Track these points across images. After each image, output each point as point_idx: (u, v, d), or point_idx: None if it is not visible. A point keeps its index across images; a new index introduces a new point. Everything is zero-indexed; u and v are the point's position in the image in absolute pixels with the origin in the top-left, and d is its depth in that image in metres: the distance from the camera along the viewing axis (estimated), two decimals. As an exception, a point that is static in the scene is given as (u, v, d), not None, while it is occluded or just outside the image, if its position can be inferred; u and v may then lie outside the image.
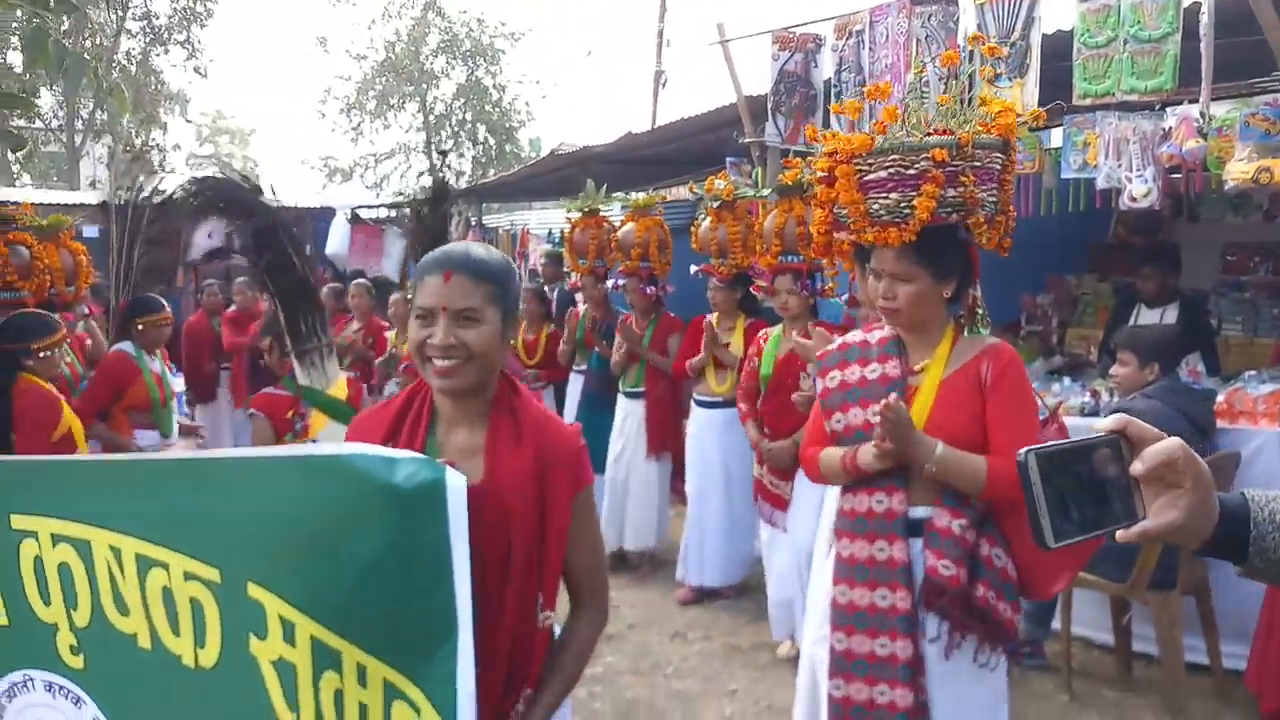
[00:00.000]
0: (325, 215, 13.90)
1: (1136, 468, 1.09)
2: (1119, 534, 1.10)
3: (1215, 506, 1.12)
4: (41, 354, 4.05)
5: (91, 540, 1.74)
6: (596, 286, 6.20)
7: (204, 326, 8.36)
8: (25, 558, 1.81)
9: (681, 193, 10.21)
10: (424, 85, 25.85)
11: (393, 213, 15.03)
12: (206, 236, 11.60)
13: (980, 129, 2.44)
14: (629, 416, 5.88)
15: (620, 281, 5.90)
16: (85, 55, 4.13)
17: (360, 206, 14.43)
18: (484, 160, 26.63)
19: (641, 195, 6.58)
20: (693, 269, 5.47)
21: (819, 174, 2.65)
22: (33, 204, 5.72)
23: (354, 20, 38.60)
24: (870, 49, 5.10)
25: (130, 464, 1.90)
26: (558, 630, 1.90)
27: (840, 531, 2.57)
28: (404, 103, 26.06)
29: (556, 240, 12.06)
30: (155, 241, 5.56)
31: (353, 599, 1.55)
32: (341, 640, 1.54)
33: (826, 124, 5.57)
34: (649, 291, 5.74)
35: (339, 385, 3.72)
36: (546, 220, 13.08)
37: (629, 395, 5.89)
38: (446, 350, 1.72)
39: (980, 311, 2.62)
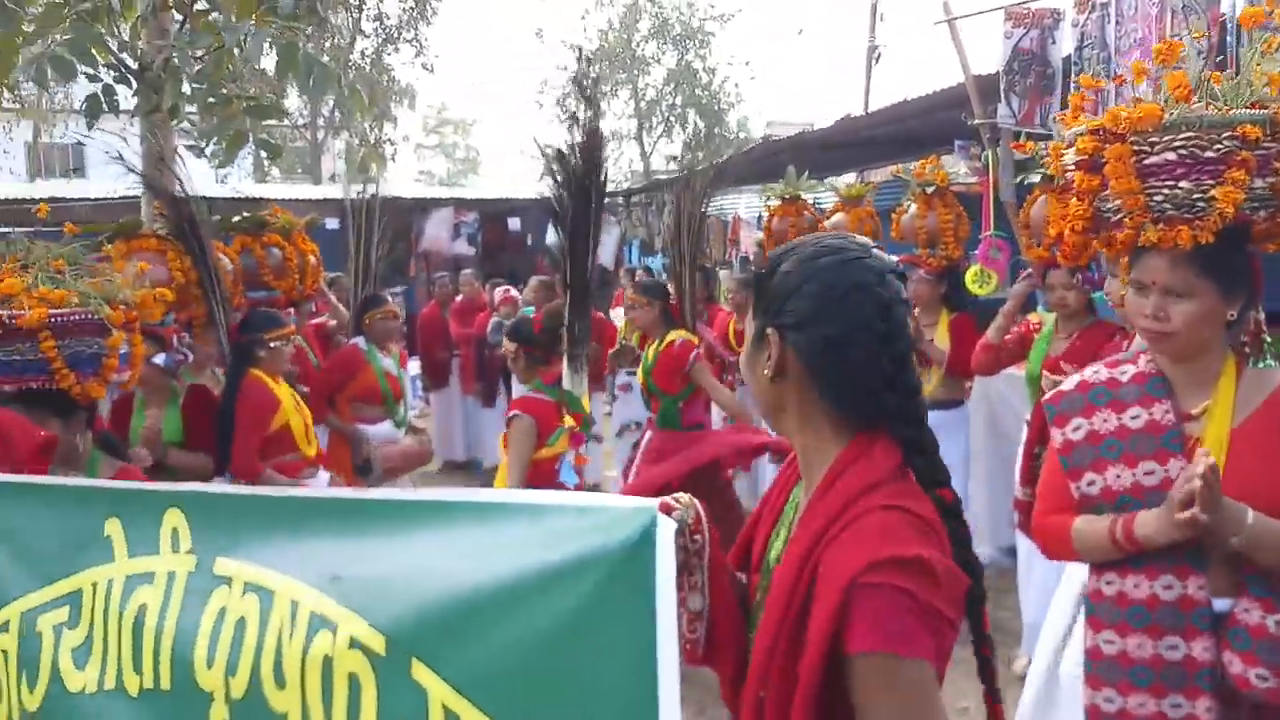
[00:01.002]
0: (545, 205, 14.30)
1: None
2: None
3: None
4: (272, 344, 4.20)
5: (276, 592, 1.55)
6: None
7: (436, 316, 8.77)
8: (211, 609, 1.60)
9: (881, 175, 9.90)
10: (635, 72, 26.20)
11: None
12: (436, 228, 12.26)
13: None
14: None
15: None
16: (328, 61, 4.37)
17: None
18: (693, 144, 26.76)
19: (844, 182, 6.32)
20: (895, 259, 5.20)
21: (1077, 156, 2.23)
22: (282, 199, 6.03)
23: (570, 10, 39.64)
24: (1117, 23, 4.70)
25: (331, 502, 1.69)
26: None
27: (1100, 622, 2.08)
28: (616, 90, 26.52)
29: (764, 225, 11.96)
30: (394, 236, 5.79)
31: (530, 688, 1.27)
32: None
33: (1064, 105, 5.21)
34: None
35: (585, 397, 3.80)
36: (756, 205, 12.97)
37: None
38: None
39: (1268, 339, 2.18)
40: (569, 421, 3.94)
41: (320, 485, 4.25)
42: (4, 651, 1.82)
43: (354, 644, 1.41)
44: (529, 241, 14.70)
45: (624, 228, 14.21)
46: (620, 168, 27.86)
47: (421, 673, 1.34)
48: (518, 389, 8.21)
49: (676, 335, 4.84)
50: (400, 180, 22.35)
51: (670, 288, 5.18)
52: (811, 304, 1.35)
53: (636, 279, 4.68)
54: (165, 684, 1.62)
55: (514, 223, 14.76)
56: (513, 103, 62.08)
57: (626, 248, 14.24)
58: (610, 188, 20.72)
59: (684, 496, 1.34)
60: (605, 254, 14.20)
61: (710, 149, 26.12)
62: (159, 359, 4.11)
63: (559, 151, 3.71)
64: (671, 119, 26.64)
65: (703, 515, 1.35)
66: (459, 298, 9.20)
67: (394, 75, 22.80)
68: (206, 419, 4.17)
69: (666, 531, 1.24)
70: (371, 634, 1.40)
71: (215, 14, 4.64)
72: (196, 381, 4.38)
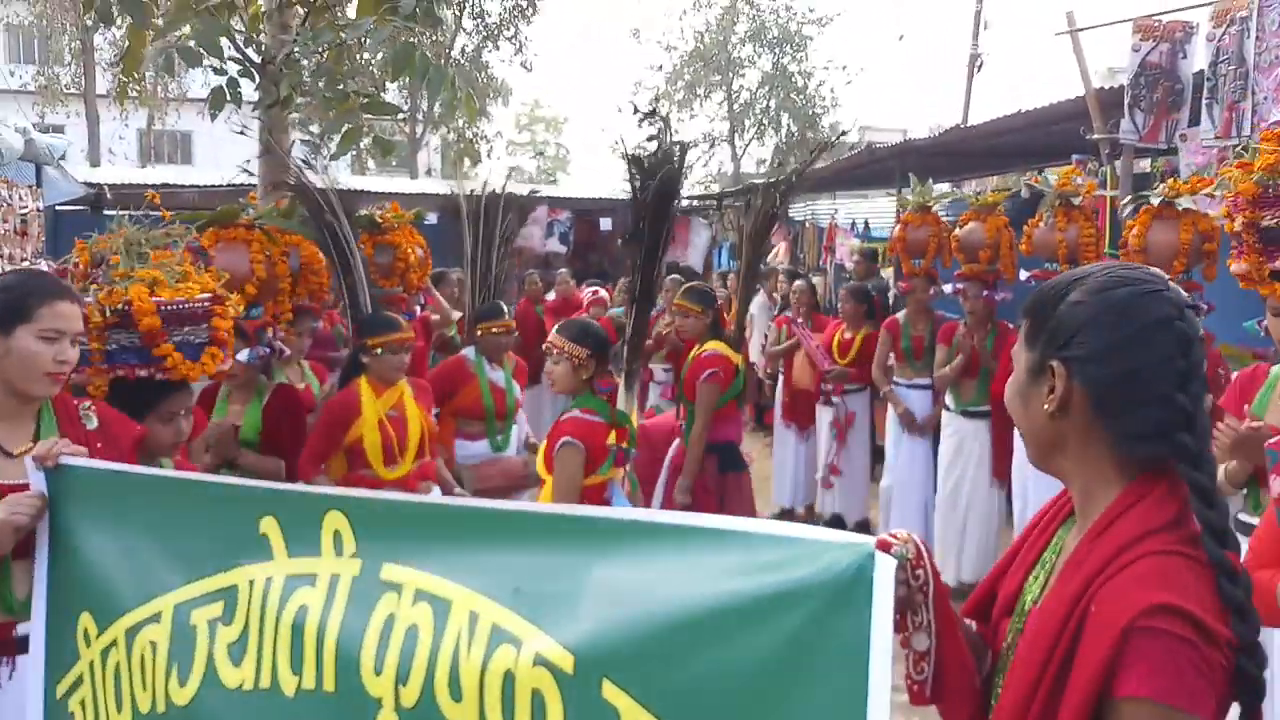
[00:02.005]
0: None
1: None
2: None
3: None
4: (377, 350, 3.88)
5: (453, 601, 1.51)
6: (929, 290, 5.79)
7: (528, 313, 8.83)
8: (379, 615, 1.57)
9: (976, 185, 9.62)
10: (730, 74, 26.09)
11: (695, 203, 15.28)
12: (529, 225, 12.25)
13: None
14: (967, 439, 5.41)
15: (959, 286, 5.40)
16: (441, 63, 4.41)
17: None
18: (785, 148, 26.55)
19: (968, 189, 6.09)
20: (1024, 274, 4.98)
21: (1251, 178, 2.21)
22: (380, 192, 5.92)
23: (667, 11, 39.73)
24: (1257, 38, 4.51)
25: (513, 514, 1.64)
26: None
27: None
28: (710, 92, 26.45)
29: (860, 233, 11.78)
30: (510, 242, 5.52)
31: (729, 718, 1.24)
32: None
33: (1195, 121, 5.02)
34: (995, 299, 5.28)
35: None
36: (852, 211, 12.78)
37: (966, 414, 5.43)
38: None
39: None
40: (612, 439, 3.56)
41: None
42: (153, 643, 1.83)
43: (539, 661, 1.38)
44: (620, 241, 14.73)
45: (715, 231, 14.15)
46: (710, 169, 27.82)
47: (613, 693, 1.31)
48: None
49: (712, 346, 4.69)
50: (492, 176, 22.57)
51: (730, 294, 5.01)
52: (1107, 337, 1.28)
53: (687, 286, 4.50)
54: (329, 686, 1.60)
55: (605, 222, 14.81)
56: (606, 101, 62.36)
57: (716, 251, 14.17)
58: (700, 190, 20.62)
59: (902, 532, 1.29)
60: (695, 256, 14.18)
61: (803, 153, 25.88)
62: (242, 355, 3.88)
63: (635, 159, 3.61)
64: (765, 122, 26.46)
65: (924, 550, 1.30)
66: (551, 295, 9.24)
67: (492, 73, 23.07)
68: (288, 420, 4.00)
69: (885, 570, 1.20)
70: (559, 652, 1.36)
71: (338, 10, 4.73)
72: (284, 380, 4.26)
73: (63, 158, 7.64)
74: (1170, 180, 4.19)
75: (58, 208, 9.05)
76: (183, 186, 12.12)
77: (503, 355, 4.92)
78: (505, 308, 5.01)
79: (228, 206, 4.28)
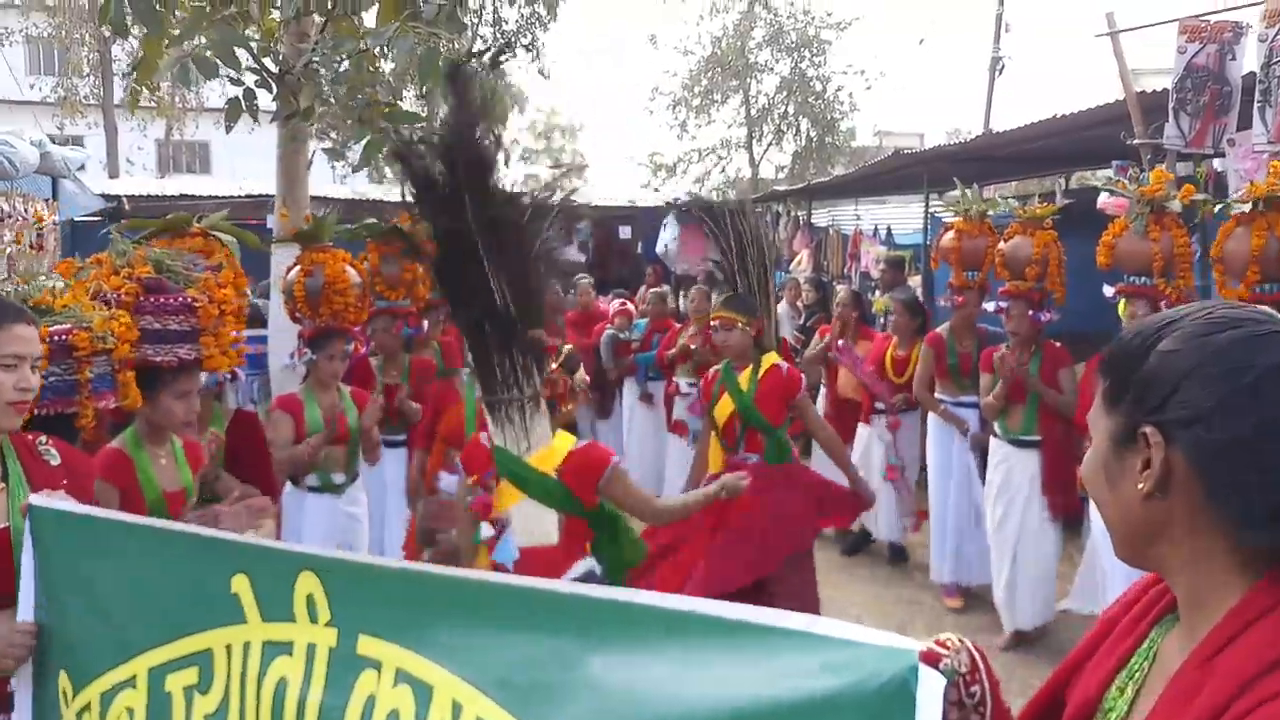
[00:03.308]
0: (655, 214, 14.22)
1: None
2: None
3: None
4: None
5: (435, 687, 1.36)
6: (980, 305, 5.44)
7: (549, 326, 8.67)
8: (358, 696, 1.44)
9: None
10: (748, 79, 25.92)
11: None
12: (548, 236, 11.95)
13: None
14: (1015, 468, 5.00)
15: (1003, 304, 5.03)
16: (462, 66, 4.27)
17: (684, 204, 14.64)
18: (803, 153, 26.35)
19: (1011, 199, 5.72)
20: (1108, 290, 4.47)
21: None
22: (401, 202, 5.79)
23: (684, 17, 39.55)
24: (1314, 38, 4.33)
25: (510, 589, 1.43)
26: None
27: None
28: (727, 97, 26.29)
29: (884, 240, 11.58)
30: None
31: None
32: None
33: (1245, 125, 4.83)
34: (1040, 319, 4.93)
35: (549, 450, 3.04)
36: (876, 217, 12.58)
37: (1015, 443, 5.02)
38: None
39: None
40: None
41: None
42: (130, 709, 1.70)
43: None
44: (638, 249, 14.61)
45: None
46: (728, 175, 27.63)
47: None
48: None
49: (772, 358, 4.42)
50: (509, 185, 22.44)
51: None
52: (1214, 393, 1.02)
53: (728, 296, 4.16)
54: None
55: (624, 231, 14.68)
56: (623, 108, 62.41)
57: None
58: (717, 197, 20.42)
59: (953, 638, 1.09)
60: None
61: (822, 158, 25.67)
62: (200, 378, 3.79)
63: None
64: (783, 127, 26.24)
65: (979, 660, 1.09)
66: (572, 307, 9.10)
67: (508, 80, 22.98)
68: (249, 447, 3.95)
69: (930, 689, 1.01)
70: None
71: (357, 17, 4.61)
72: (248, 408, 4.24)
73: (83, 168, 7.55)
74: (1250, 184, 3.94)
75: (75, 219, 8.99)
76: (201, 198, 12.05)
77: None
78: None
79: (178, 215, 4.13)
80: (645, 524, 3.46)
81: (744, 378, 4.36)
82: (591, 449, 3.15)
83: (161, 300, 3.07)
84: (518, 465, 3.03)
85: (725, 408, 4.38)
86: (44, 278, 5.03)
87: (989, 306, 5.30)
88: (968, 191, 5.54)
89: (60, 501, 1.93)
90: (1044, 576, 5.00)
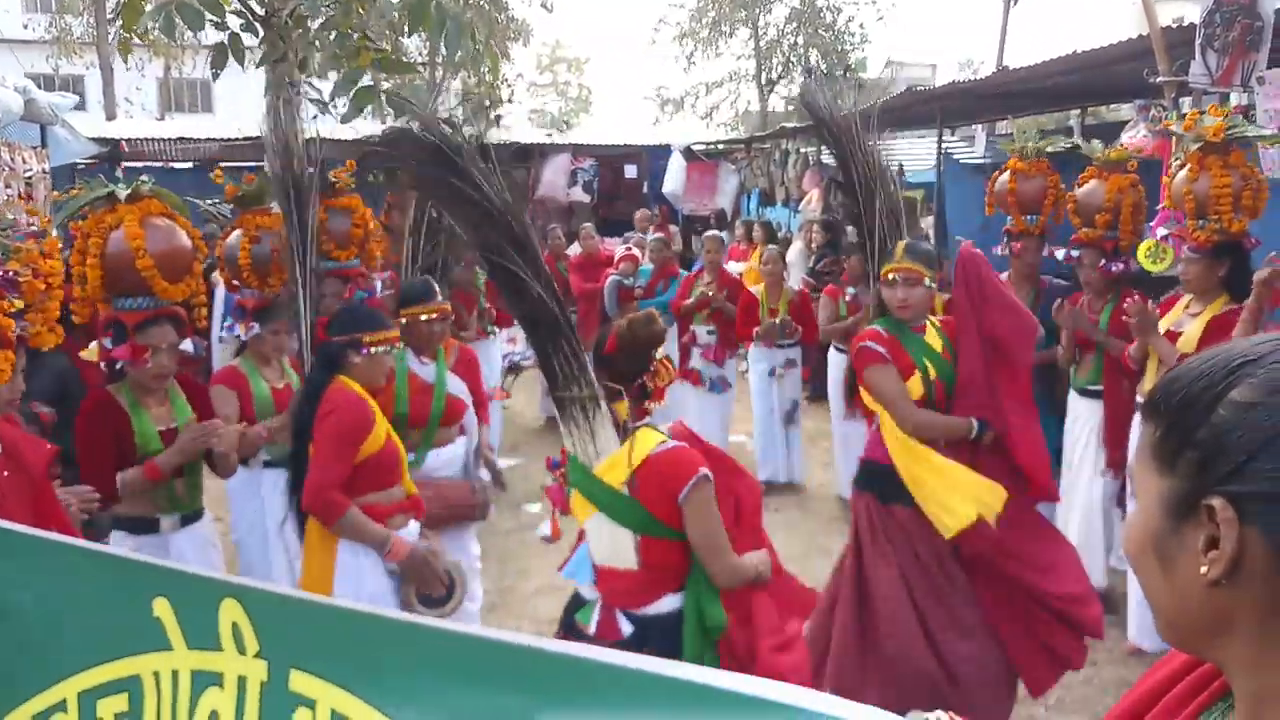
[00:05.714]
0: (661, 152, 13.94)
1: None
2: None
3: None
4: (372, 350, 3.35)
5: None
6: (1040, 253, 5.02)
7: (551, 271, 8.52)
8: None
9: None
10: (756, 10, 25.35)
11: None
12: (553, 174, 11.91)
13: None
14: (1079, 420, 4.76)
15: (1074, 253, 4.73)
16: (460, 5, 4.07)
17: (696, 144, 14.34)
18: (812, 84, 25.84)
19: (1096, 144, 5.06)
20: (1161, 231, 4.22)
21: None
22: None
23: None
24: (1354, -31, 4.10)
25: (454, 637, 1.32)
26: None
27: None
28: (735, 29, 25.75)
29: (896, 179, 11.26)
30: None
31: None
32: None
33: (1276, 62, 4.62)
34: (1113, 269, 4.60)
35: (631, 448, 2.55)
36: (889, 155, 12.27)
37: (1081, 392, 4.75)
38: None
39: None
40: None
41: (410, 536, 3.43)
42: None
43: None
44: (645, 189, 14.36)
45: (743, 176, 13.72)
46: (737, 109, 27.16)
47: None
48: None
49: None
50: (514, 120, 22.18)
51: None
52: None
53: (908, 243, 3.64)
54: None
55: (630, 170, 14.42)
56: (627, 39, 61.30)
57: (745, 198, 13.75)
58: (726, 134, 20.04)
59: (943, 716, 0.97)
60: (724, 203, 13.79)
61: (832, 90, 25.16)
62: (186, 345, 3.55)
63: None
64: (793, 59, 25.71)
65: None
66: (574, 251, 8.92)
67: (511, 14, 22.49)
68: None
69: None
70: None
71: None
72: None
73: (79, 106, 7.33)
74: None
75: (76, 165, 8.81)
76: (201, 140, 11.82)
77: (434, 347, 4.10)
78: (436, 286, 4.16)
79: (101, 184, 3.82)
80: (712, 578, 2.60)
81: (932, 338, 3.56)
82: (676, 455, 2.56)
83: None
84: (586, 478, 2.60)
85: (917, 384, 3.47)
86: (34, 228, 4.90)
87: (1059, 254, 4.92)
88: (1020, 129, 5.20)
89: None
90: (1089, 531, 4.65)
